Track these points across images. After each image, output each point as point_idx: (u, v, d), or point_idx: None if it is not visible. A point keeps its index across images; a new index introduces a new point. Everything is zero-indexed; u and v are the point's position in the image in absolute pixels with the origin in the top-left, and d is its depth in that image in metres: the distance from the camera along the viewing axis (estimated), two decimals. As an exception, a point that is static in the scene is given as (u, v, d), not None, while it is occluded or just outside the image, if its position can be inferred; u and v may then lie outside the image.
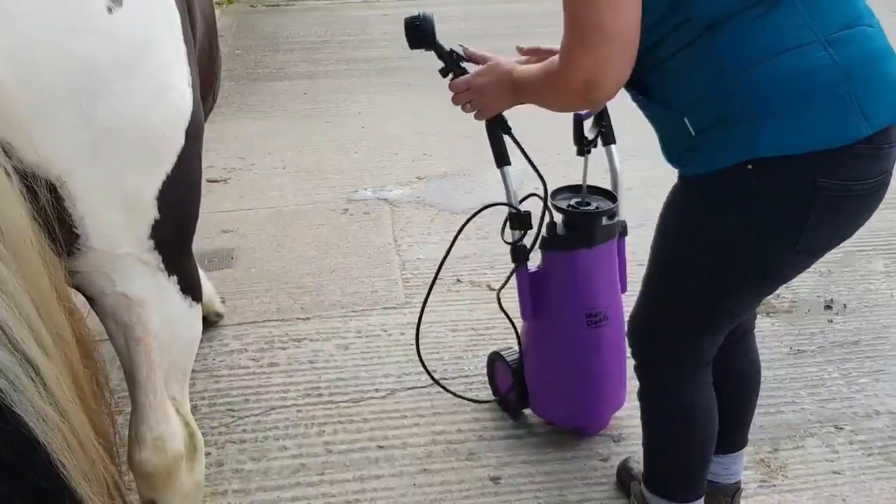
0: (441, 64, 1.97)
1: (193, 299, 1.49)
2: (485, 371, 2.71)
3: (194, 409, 2.67)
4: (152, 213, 1.33)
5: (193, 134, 1.39)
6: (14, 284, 1.05)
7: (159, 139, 1.31)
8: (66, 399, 1.12)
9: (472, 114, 1.89)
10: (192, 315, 1.48)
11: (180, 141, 1.35)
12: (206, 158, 4.81)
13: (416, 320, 2.56)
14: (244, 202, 4.17)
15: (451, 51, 1.96)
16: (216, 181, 4.45)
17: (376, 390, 2.74)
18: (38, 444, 1.08)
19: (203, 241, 3.75)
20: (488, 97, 1.81)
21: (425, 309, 2.53)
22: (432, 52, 1.97)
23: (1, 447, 1.05)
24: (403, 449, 2.48)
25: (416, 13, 1.95)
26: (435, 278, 2.52)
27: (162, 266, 1.39)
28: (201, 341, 2.98)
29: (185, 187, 1.42)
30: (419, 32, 1.92)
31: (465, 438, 2.52)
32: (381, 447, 2.49)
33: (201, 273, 3.06)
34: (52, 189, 1.17)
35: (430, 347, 2.92)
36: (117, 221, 1.28)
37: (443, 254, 2.46)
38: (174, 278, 1.42)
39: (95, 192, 1.23)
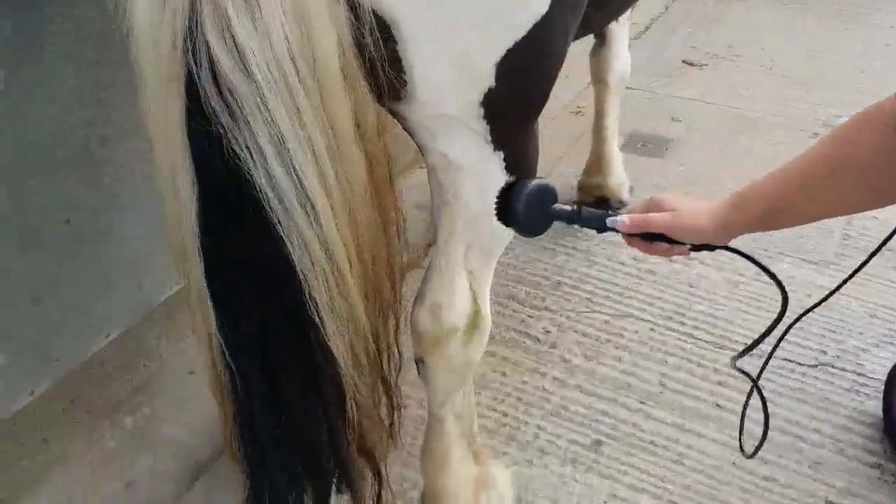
0: None
1: None
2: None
3: (557, 284, 2.65)
4: (487, 81, 1.21)
5: (564, 3, 1.22)
6: (311, 117, 1.05)
7: (513, 2, 1.17)
8: (334, 238, 1.12)
9: None
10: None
11: (540, 8, 1.19)
12: (691, 38, 4.52)
13: (833, 285, 2.08)
14: (709, 94, 3.84)
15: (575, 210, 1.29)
16: (691, 64, 4.15)
17: (736, 341, 2.40)
18: (294, 273, 1.12)
19: (647, 122, 3.58)
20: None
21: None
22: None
23: (259, 261, 1.11)
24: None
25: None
26: (880, 246, 2.01)
27: (489, 138, 1.29)
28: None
29: (535, 62, 1.27)
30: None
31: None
32: (717, 405, 2.21)
33: (619, 154, 2.95)
34: (386, 28, 1.13)
35: (824, 324, 2.44)
36: (448, 80, 1.20)
37: None
38: (501, 154, 1.32)
39: (429, 45, 1.16)
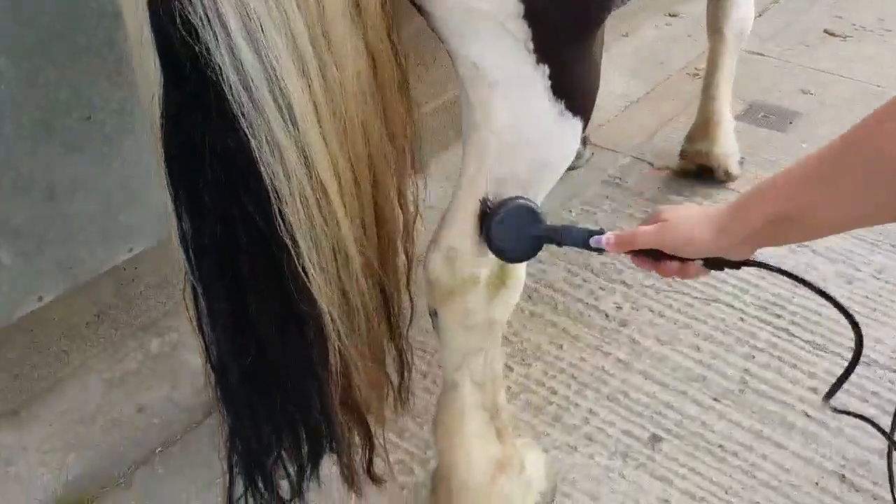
0: None
1: (569, 110, 1.12)
2: None
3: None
4: (533, -32, 0.96)
5: None
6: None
7: None
8: (316, 145, 0.92)
9: None
10: (556, 128, 1.12)
11: None
12: (836, 7, 4.02)
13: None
14: (847, 68, 3.38)
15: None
16: (834, 35, 3.68)
17: (841, 344, 2.05)
18: (260, 180, 0.92)
19: (772, 92, 3.19)
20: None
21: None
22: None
23: (221, 156, 0.91)
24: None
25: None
26: None
27: (531, 46, 1.03)
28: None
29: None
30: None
31: None
32: (807, 415, 1.88)
33: (729, 119, 2.59)
34: None
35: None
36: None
37: None
38: (545, 69, 1.06)
39: None
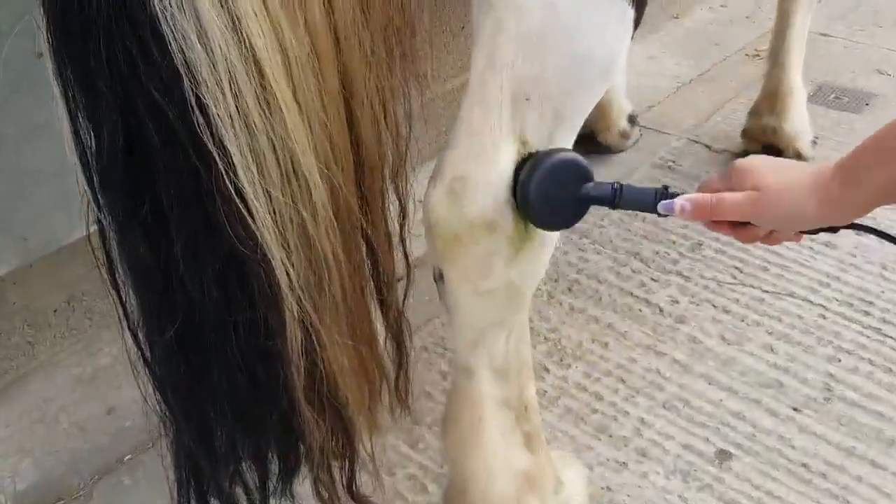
0: None
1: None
2: None
3: (697, 245, 2.03)
4: None
5: None
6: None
7: None
8: (282, 90, 0.64)
9: None
10: (598, 9, 0.82)
11: None
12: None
13: None
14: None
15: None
16: (910, 15, 3.32)
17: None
18: (166, 52, 0.63)
19: (844, 72, 2.86)
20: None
21: None
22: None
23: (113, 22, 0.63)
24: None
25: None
26: None
27: None
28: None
29: None
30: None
31: None
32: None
33: (801, 90, 2.24)
34: None
35: None
36: None
37: None
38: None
39: None
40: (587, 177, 0.93)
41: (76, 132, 0.71)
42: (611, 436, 1.55)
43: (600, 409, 1.60)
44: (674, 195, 0.91)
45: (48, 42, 0.68)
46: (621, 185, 0.93)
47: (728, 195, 0.89)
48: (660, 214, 0.92)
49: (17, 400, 1.62)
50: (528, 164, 0.91)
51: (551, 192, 0.91)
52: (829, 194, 0.84)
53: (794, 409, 1.60)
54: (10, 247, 1.43)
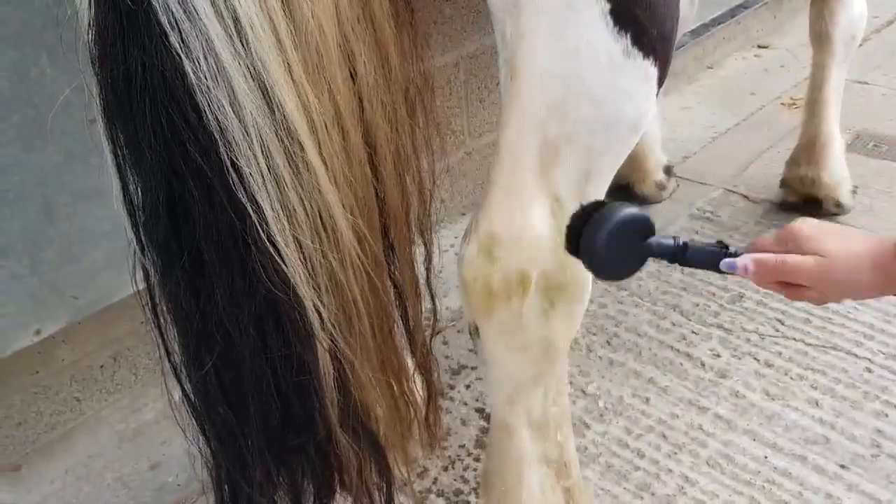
0: None
1: (640, 50, 0.83)
2: None
3: (738, 297, 2.00)
4: None
5: None
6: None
7: None
8: (272, 58, 0.67)
9: None
10: (622, 73, 0.84)
11: None
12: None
13: None
14: (971, 95, 2.99)
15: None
16: (949, 61, 3.29)
17: None
18: (201, 116, 0.67)
19: (882, 119, 2.84)
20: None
21: None
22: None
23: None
24: None
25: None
26: None
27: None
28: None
29: None
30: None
31: None
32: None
33: (839, 140, 2.24)
34: None
35: None
36: None
37: None
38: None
39: None
40: (650, 231, 0.95)
41: (125, 188, 0.75)
42: (654, 494, 1.52)
43: (642, 466, 1.58)
44: (735, 254, 0.91)
45: (100, 109, 0.72)
46: (685, 243, 0.93)
47: (791, 258, 0.89)
48: (721, 272, 0.92)
49: (62, 456, 1.65)
50: (594, 217, 0.92)
51: (617, 246, 0.91)
52: (888, 268, 0.84)
53: (842, 466, 1.56)
54: (60, 305, 1.47)
